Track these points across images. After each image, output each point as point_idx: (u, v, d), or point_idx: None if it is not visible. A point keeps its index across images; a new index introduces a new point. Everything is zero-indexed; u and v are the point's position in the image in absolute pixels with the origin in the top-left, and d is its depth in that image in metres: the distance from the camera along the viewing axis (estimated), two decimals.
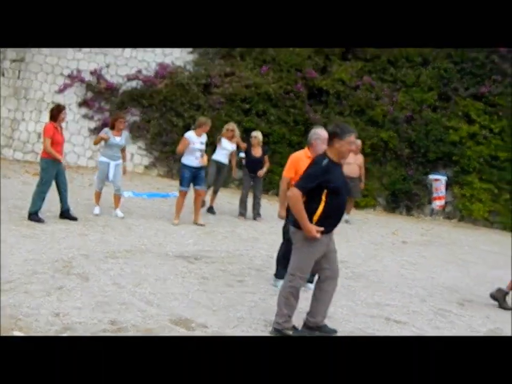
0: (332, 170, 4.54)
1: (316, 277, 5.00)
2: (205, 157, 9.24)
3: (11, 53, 16.32)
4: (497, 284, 7.11)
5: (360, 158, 11.80)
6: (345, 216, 10.19)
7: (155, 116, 15.61)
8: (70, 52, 16.18)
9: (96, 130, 15.24)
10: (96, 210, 9.03)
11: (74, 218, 8.38)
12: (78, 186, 11.80)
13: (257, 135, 10.71)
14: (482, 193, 14.45)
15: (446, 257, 9.49)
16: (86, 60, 16.19)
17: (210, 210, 10.77)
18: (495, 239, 12.78)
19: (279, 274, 6.27)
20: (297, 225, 4.63)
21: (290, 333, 4.71)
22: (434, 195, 14.63)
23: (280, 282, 6.18)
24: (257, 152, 10.64)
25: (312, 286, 5.40)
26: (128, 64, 16.15)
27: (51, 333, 4.24)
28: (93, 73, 16.04)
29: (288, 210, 6.22)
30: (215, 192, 10.87)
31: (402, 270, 7.95)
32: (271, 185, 14.35)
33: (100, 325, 4.49)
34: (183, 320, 4.82)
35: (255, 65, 15.57)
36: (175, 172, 14.83)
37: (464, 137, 14.65)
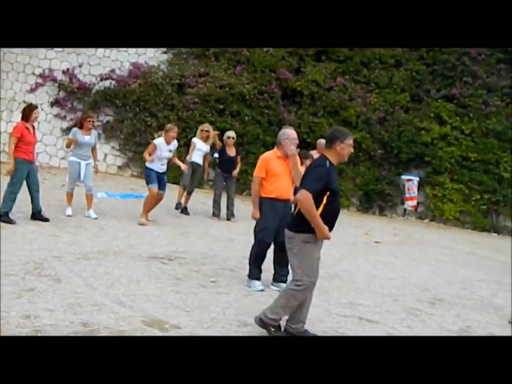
0: (332, 172, 4.59)
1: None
2: (184, 165, 9.58)
3: None
4: (467, 283, 7.19)
5: None
6: None
7: (129, 116, 15.52)
8: (41, 51, 15.97)
9: (68, 130, 15.01)
10: (68, 211, 8.92)
11: (46, 219, 8.27)
12: (50, 187, 11.64)
13: (232, 135, 10.80)
14: (454, 193, 14.68)
15: (418, 257, 9.61)
16: (58, 59, 16.01)
17: (184, 211, 10.75)
18: (466, 238, 13.00)
19: (252, 274, 6.28)
20: (296, 229, 4.59)
21: (272, 330, 4.69)
22: (407, 195, 14.82)
23: (254, 283, 6.20)
24: (231, 152, 10.70)
25: (284, 286, 5.41)
26: (101, 63, 16.02)
27: (22, 335, 4.17)
28: (65, 72, 15.87)
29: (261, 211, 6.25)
30: (189, 193, 10.85)
31: (375, 270, 8.03)
32: (245, 186, 14.37)
33: (71, 327, 4.43)
34: (156, 321, 4.79)
35: (229, 65, 15.59)
36: None
37: (435, 138, 14.88)
